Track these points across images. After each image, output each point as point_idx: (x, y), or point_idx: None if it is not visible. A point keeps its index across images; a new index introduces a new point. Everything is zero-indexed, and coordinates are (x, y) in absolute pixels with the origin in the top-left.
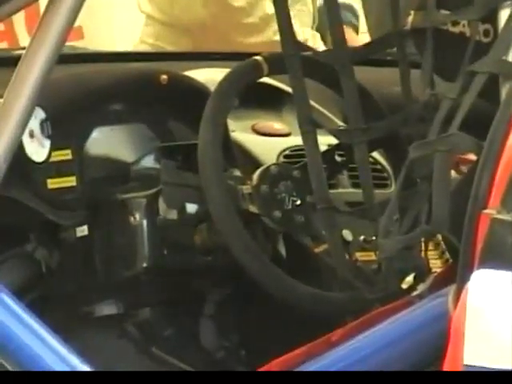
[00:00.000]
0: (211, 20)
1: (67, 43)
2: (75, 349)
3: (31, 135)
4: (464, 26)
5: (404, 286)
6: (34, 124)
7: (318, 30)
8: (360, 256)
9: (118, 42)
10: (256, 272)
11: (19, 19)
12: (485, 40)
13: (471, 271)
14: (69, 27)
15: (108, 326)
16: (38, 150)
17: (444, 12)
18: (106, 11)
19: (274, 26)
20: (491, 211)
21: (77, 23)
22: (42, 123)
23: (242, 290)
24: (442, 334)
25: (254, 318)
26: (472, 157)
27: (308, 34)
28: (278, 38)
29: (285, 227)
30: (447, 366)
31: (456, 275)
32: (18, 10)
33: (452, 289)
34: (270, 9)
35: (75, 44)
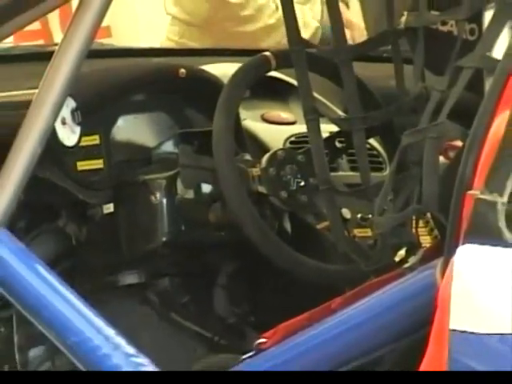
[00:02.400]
0: (213, 15)
1: (96, 40)
2: (101, 314)
3: (63, 122)
4: (452, 25)
5: (397, 259)
6: (66, 112)
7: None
8: (357, 232)
9: (143, 40)
10: (264, 246)
11: (54, 19)
12: (471, 38)
13: (457, 246)
14: (97, 26)
15: (131, 294)
16: (69, 135)
17: (434, 13)
18: (132, 12)
19: (268, 12)
20: (475, 192)
21: (105, 23)
22: (73, 112)
23: (252, 263)
24: (430, 301)
25: (263, 288)
26: (459, 143)
27: (313, 27)
28: (272, 21)
29: (290, 206)
30: (435, 330)
31: (443, 250)
32: (51, 10)
33: (440, 262)
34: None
35: (104, 41)
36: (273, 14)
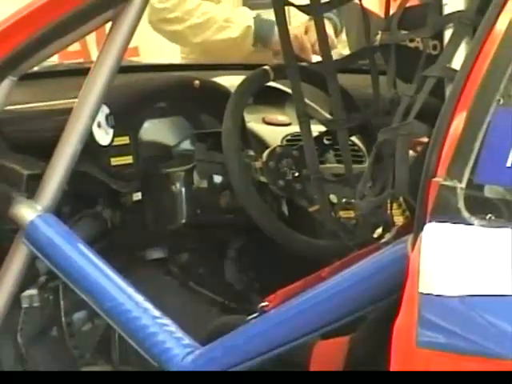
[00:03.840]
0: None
1: (126, 58)
2: (132, 283)
3: (99, 125)
4: (418, 42)
5: (375, 235)
6: (101, 117)
7: None
8: (342, 214)
9: (164, 57)
10: (266, 226)
11: (91, 41)
12: (434, 52)
13: (424, 224)
14: (126, 46)
15: (156, 266)
16: (103, 136)
17: (403, 32)
18: (156, 35)
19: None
20: (439, 179)
21: (134, 44)
22: (107, 117)
23: (256, 240)
24: (402, 270)
25: (265, 260)
26: (425, 139)
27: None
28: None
29: (287, 193)
30: (407, 294)
31: (413, 227)
32: (88, 33)
33: (410, 237)
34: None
35: (133, 59)
36: (201, 16)
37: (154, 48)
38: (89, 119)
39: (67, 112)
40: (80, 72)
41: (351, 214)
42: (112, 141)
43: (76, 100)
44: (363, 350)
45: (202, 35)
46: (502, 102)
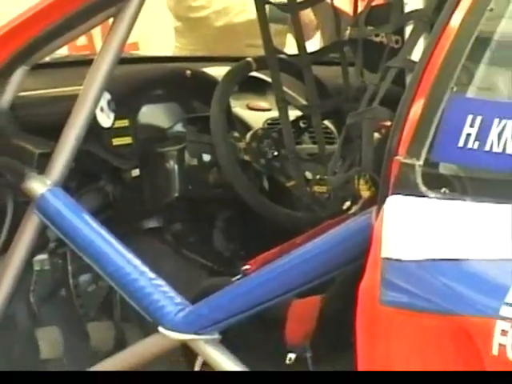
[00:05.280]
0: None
1: (127, 51)
2: (131, 250)
3: (101, 110)
4: (382, 37)
5: (344, 207)
6: (103, 102)
7: None
8: (316, 188)
9: (160, 51)
10: (249, 199)
11: (97, 36)
12: (396, 46)
13: (387, 197)
14: (125, 39)
15: (152, 235)
16: (105, 119)
17: (370, 28)
18: (153, 32)
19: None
20: (400, 157)
21: (135, 40)
22: (109, 102)
23: (241, 211)
24: (367, 237)
25: (249, 229)
26: (388, 123)
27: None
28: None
29: (267, 170)
30: (371, 258)
31: (377, 200)
32: (92, 27)
33: (374, 208)
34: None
35: (133, 53)
36: (222, 3)
37: (152, 43)
38: (92, 104)
39: (74, 98)
40: (85, 63)
41: (324, 188)
42: (113, 123)
43: (81, 87)
44: (333, 308)
45: (223, 19)
46: (455, 89)
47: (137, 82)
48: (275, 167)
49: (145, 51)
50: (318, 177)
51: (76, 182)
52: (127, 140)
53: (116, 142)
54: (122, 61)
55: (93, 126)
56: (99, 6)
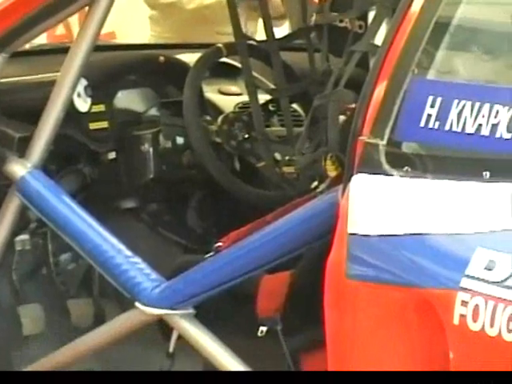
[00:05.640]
0: None
1: (105, 40)
2: (109, 229)
3: (78, 95)
4: (347, 22)
5: (312, 186)
6: (80, 88)
7: None
8: (285, 169)
9: (136, 40)
10: (221, 180)
11: (75, 26)
12: (359, 31)
13: (352, 175)
14: (100, 27)
15: (129, 214)
16: (83, 104)
17: (334, 14)
18: (130, 22)
19: None
20: (364, 138)
21: (112, 29)
22: (86, 88)
23: (214, 191)
24: (334, 214)
25: (221, 208)
26: (352, 105)
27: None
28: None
29: (238, 151)
30: (338, 234)
31: (343, 178)
32: (68, 16)
33: (341, 187)
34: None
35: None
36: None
37: (128, 32)
38: (70, 90)
39: (52, 84)
40: (62, 50)
41: (292, 168)
42: (90, 108)
43: (59, 74)
44: (302, 283)
45: (194, 2)
46: (416, 72)
47: (112, 68)
48: (246, 149)
49: (121, 40)
50: (286, 157)
51: (55, 164)
52: (104, 124)
53: (93, 126)
54: (98, 48)
55: (70, 110)
56: None
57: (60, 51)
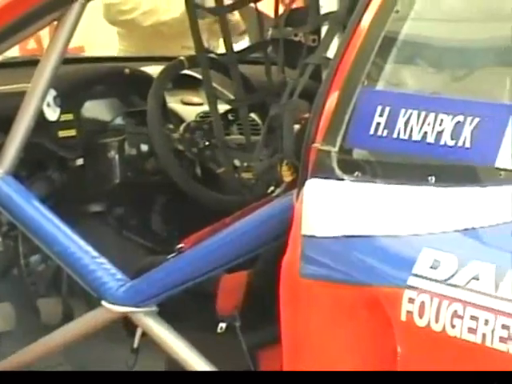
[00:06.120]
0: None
1: (73, 53)
2: (77, 231)
3: (48, 105)
4: (301, 36)
5: (269, 191)
6: (50, 98)
7: None
8: (244, 174)
9: (104, 53)
10: (183, 185)
11: (46, 40)
12: (313, 45)
13: (306, 180)
14: (68, 41)
15: (96, 218)
16: (52, 114)
17: (289, 29)
18: (98, 38)
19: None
20: (317, 145)
21: (81, 44)
22: (55, 98)
23: (176, 196)
24: (289, 217)
25: (183, 212)
26: (306, 114)
27: None
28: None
29: (199, 158)
30: (292, 236)
31: (298, 183)
32: (38, 30)
33: (295, 191)
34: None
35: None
36: (148, 5)
37: (96, 46)
38: (40, 100)
39: (22, 94)
40: (33, 63)
41: (250, 174)
42: (59, 117)
43: (29, 85)
44: (259, 281)
45: (151, 19)
46: (366, 83)
47: (80, 79)
48: (206, 155)
49: (91, 54)
50: (245, 164)
51: (26, 170)
52: (72, 132)
53: (62, 134)
54: (67, 61)
55: (40, 119)
56: (44, 10)
57: (31, 63)
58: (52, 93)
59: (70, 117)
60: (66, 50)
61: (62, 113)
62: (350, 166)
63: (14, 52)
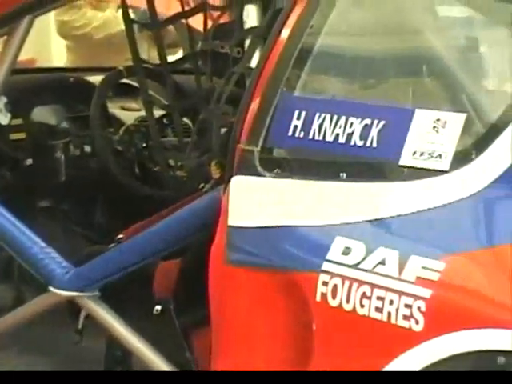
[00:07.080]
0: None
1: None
2: (28, 226)
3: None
4: (227, 48)
5: (200, 186)
6: (1, 105)
7: None
8: (178, 172)
9: (53, 64)
10: (123, 182)
11: None
12: (238, 56)
13: (232, 177)
14: (18, 53)
15: (45, 212)
16: (3, 118)
17: (217, 41)
18: (48, 51)
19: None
20: (242, 145)
21: (32, 56)
22: (6, 104)
23: (117, 192)
24: (217, 209)
25: (123, 206)
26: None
27: None
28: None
29: (137, 158)
30: (219, 227)
31: (225, 179)
32: None
33: (222, 186)
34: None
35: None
36: (100, 20)
37: (46, 58)
38: None
39: None
40: None
41: (184, 172)
42: (10, 122)
43: None
44: (190, 268)
45: (103, 32)
46: (284, 90)
47: (29, 87)
48: (144, 155)
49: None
50: (178, 163)
51: None
52: (22, 135)
53: (13, 136)
54: (17, 71)
55: None
56: None
57: None
58: (3, 99)
59: (20, 121)
60: (15, 61)
61: (12, 117)
62: (270, 164)
63: None
